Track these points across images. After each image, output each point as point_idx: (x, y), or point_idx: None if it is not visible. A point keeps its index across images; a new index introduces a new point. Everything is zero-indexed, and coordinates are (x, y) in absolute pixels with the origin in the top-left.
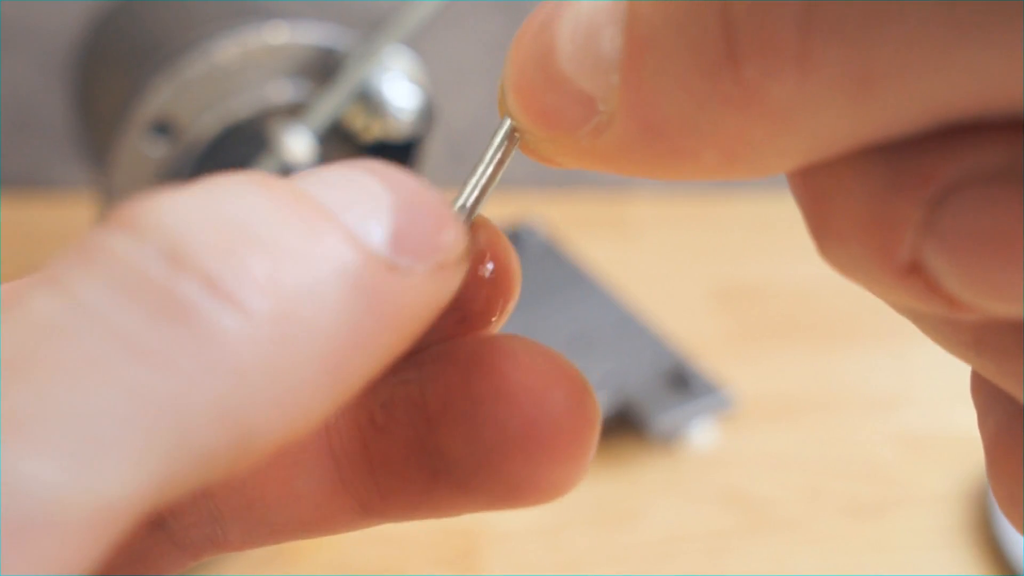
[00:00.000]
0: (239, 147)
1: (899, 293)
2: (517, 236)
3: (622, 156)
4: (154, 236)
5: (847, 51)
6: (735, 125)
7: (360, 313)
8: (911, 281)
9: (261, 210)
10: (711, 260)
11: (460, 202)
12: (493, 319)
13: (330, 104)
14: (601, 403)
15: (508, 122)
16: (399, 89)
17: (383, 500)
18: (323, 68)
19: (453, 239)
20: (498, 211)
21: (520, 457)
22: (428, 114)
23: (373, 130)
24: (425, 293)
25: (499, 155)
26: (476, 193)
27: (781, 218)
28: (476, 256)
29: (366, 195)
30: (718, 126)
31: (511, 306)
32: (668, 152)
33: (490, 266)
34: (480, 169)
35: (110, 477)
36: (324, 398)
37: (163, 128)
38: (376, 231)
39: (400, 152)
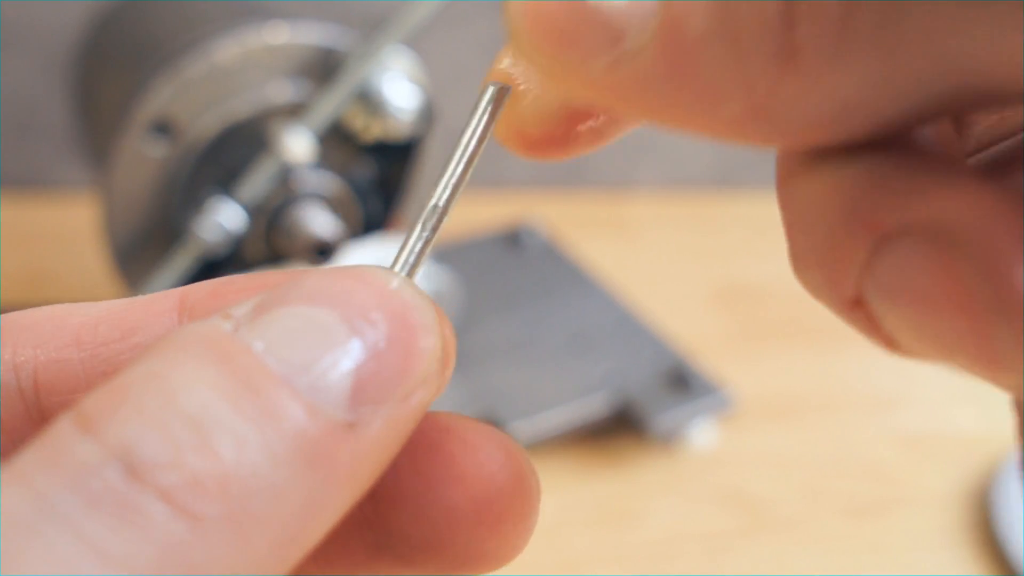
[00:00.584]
0: (239, 147)
1: (850, 323)
2: (517, 236)
3: (639, 94)
4: (113, 443)
5: (881, 17)
6: (771, 79)
7: (316, 484)
8: (857, 315)
9: (214, 401)
10: (711, 260)
11: (437, 196)
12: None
13: (330, 104)
14: (601, 403)
15: (491, 89)
16: (399, 89)
17: (320, 569)
18: (323, 68)
19: (425, 364)
20: (498, 211)
21: (469, 533)
22: (428, 114)
23: (373, 130)
24: (390, 435)
25: (482, 125)
26: (458, 173)
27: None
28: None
29: (327, 346)
30: (755, 78)
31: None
32: (692, 97)
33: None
34: (463, 141)
35: None
36: (280, 564)
37: (163, 128)
38: (335, 391)
39: (400, 152)
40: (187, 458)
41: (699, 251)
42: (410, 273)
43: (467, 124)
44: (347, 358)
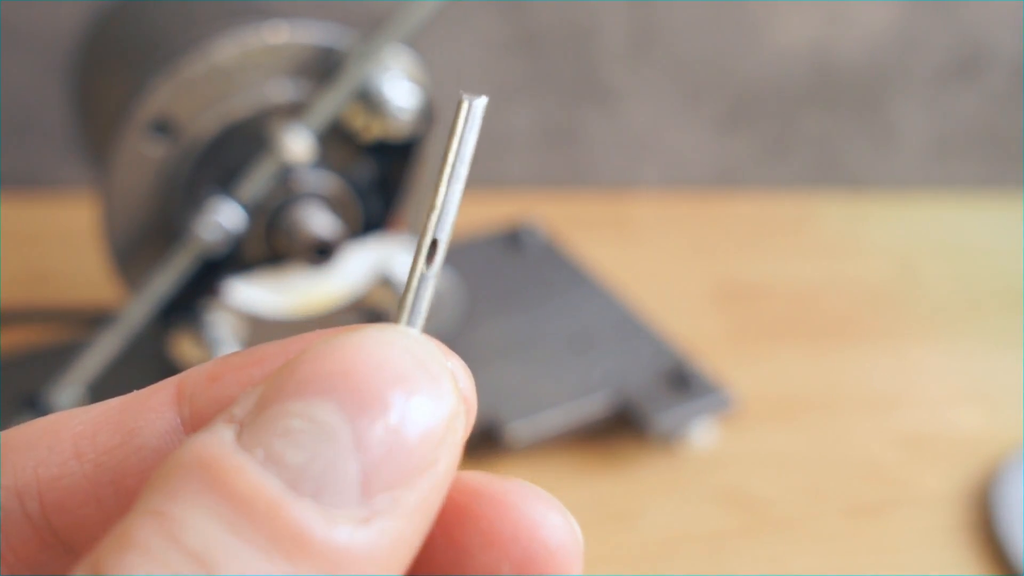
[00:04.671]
0: (239, 147)
1: None
2: (517, 236)
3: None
4: None
5: None
6: None
7: None
8: None
9: (217, 534)
10: (711, 260)
11: (431, 230)
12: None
13: (330, 104)
14: (601, 403)
15: (467, 101)
16: (399, 89)
17: None
18: (323, 68)
19: (443, 427)
20: (498, 211)
21: None
22: (428, 114)
23: (373, 130)
24: (415, 516)
25: (466, 144)
26: (451, 200)
27: (781, 218)
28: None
29: (327, 443)
30: None
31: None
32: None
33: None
34: (448, 165)
35: None
36: None
37: (163, 128)
38: (343, 488)
39: (400, 152)
40: None
41: (699, 251)
42: (416, 319)
43: (448, 146)
44: (350, 452)
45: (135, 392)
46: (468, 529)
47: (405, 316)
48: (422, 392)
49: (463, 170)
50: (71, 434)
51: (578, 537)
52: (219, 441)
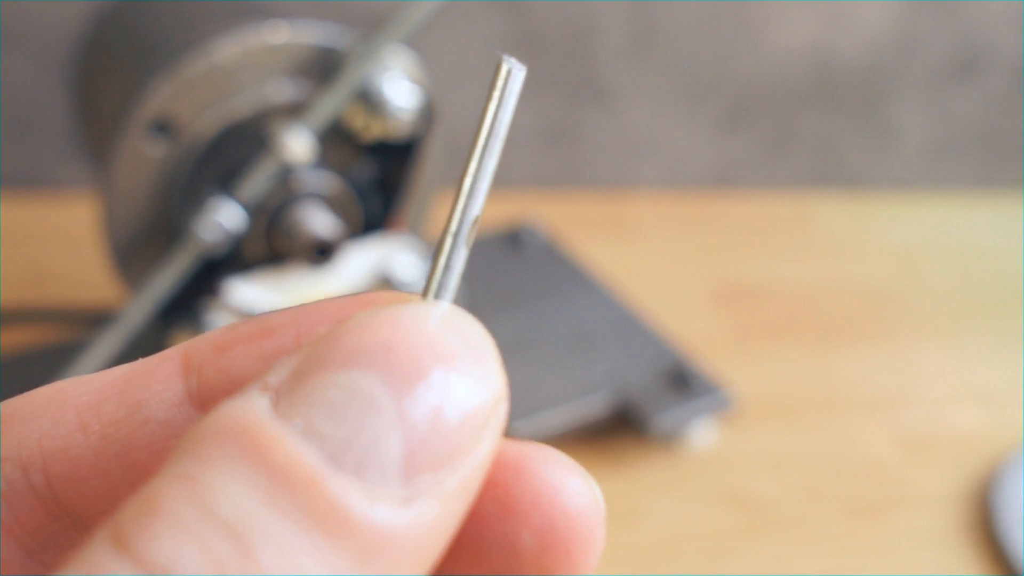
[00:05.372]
0: (239, 147)
1: None
2: (517, 236)
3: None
4: (151, 562)
5: None
6: None
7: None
8: None
9: (253, 504)
10: (711, 260)
11: (465, 203)
12: None
13: (330, 104)
14: (601, 403)
15: (507, 66)
16: (399, 89)
17: None
18: (323, 68)
19: (488, 406)
20: (498, 211)
21: (536, 567)
22: (428, 114)
23: (373, 130)
24: (456, 499)
25: (504, 112)
26: (485, 171)
27: (781, 218)
28: None
29: (371, 417)
30: None
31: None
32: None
33: None
34: (483, 134)
35: None
36: None
37: (163, 128)
38: (385, 465)
39: (400, 152)
40: (229, 572)
41: (699, 251)
42: (447, 295)
43: (484, 114)
44: (393, 428)
45: (140, 361)
46: (485, 497)
47: (435, 289)
48: (468, 372)
49: (499, 141)
50: (75, 404)
51: (600, 503)
52: (255, 408)
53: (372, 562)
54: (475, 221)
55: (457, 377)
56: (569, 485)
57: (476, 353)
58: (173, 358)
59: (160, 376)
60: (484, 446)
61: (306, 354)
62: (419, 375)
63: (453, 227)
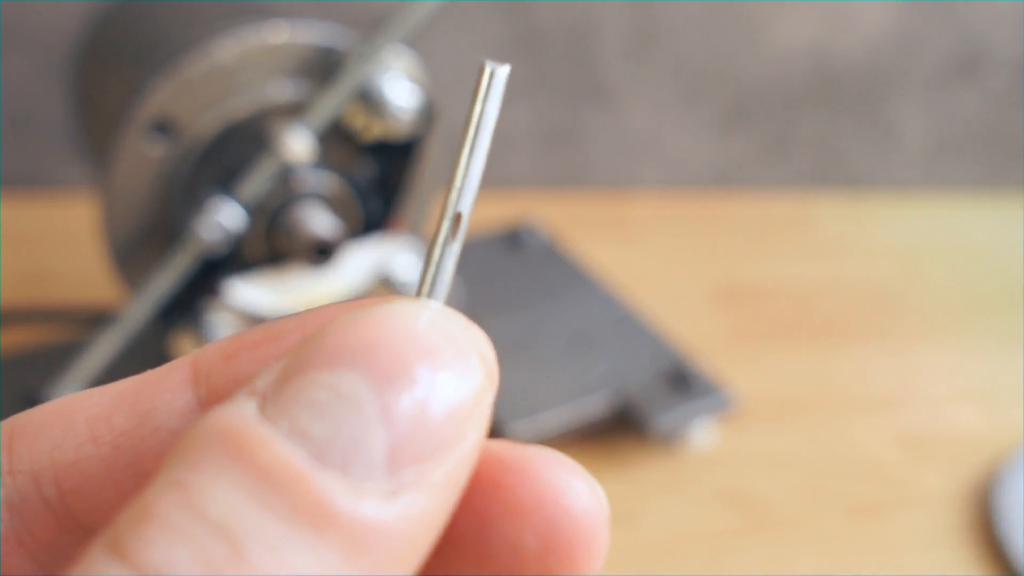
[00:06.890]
0: (239, 146)
1: None
2: (517, 236)
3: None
4: (145, 565)
5: None
6: None
7: (366, 568)
8: None
9: (242, 505)
10: (711, 260)
11: (454, 201)
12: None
13: (330, 104)
14: (601, 403)
15: (489, 68)
16: (399, 89)
17: None
18: (323, 68)
19: (470, 401)
20: (498, 211)
21: (539, 568)
22: (428, 114)
23: (373, 130)
24: (442, 491)
25: (489, 112)
26: (473, 171)
27: (781, 218)
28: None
29: (355, 415)
30: None
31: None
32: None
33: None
34: (470, 134)
35: None
36: None
37: (163, 128)
38: (370, 460)
39: (400, 152)
40: (222, 572)
41: (699, 251)
42: (439, 294)
43: (469, 116)
44: (377, 424)
45: (149, 372)
46: (489, 499)
47: (427, 289)
48: (450, 366)
49: (485, 140)
50: (86, 416)
51: (604, 504)
52: (241, 413)
53: (361, 555)
54: (461, 219)
55: (439, 371)
56: (573, 487)
57: (458, 347)
58: (182, 367)
59: (170, 385)
60: (469, 438)
61: (292, 357)
62: (401, 371)
63: (444, 226)
